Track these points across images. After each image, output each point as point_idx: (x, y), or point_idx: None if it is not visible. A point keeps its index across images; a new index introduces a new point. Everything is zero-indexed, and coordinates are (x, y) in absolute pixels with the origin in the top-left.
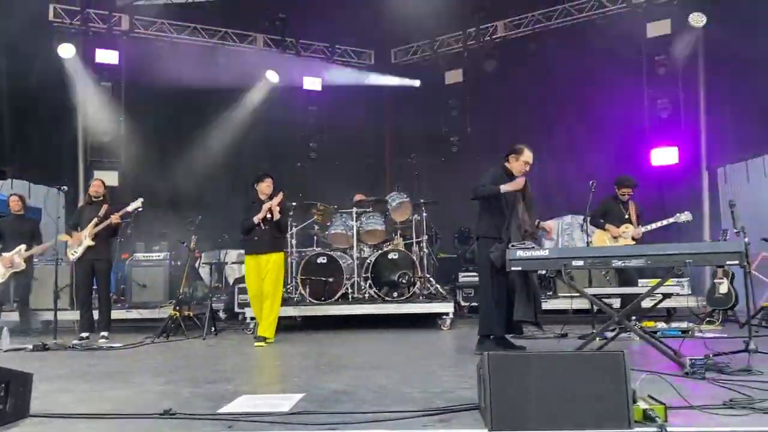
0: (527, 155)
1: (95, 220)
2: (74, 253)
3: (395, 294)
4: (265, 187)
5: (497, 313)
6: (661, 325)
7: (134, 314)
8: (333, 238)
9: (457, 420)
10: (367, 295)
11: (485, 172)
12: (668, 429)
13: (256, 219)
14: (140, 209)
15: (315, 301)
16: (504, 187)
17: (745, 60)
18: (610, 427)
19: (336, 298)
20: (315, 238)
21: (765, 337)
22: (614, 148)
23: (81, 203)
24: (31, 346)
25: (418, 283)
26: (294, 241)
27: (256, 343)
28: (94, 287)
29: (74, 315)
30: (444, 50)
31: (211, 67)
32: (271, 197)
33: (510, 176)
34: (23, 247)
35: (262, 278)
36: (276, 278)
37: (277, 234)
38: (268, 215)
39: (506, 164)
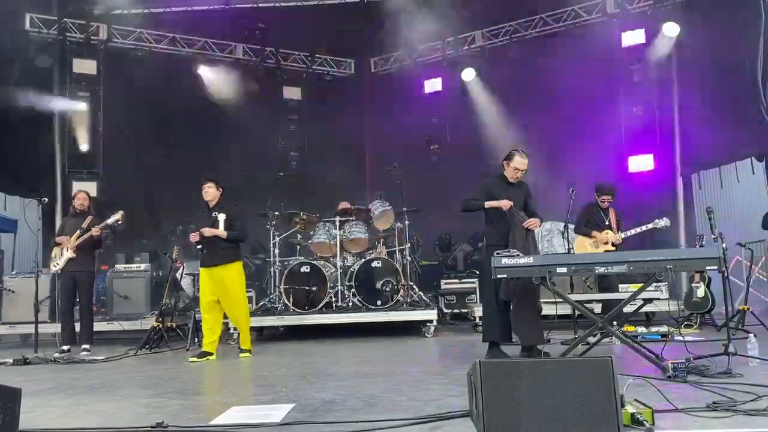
0: (516, 161)
1: (78, 232)
2: (56, 265)
3: (379, 302)
4: (204, 193)
5: (502, 320)
6: (641, 329)
7: (116, 326)
8: (316, 247)
9: (448, 428)
10: (350, 304)
11: (472, 180)
12: None
13: (192, 239)
14: (119, 222)
15: (298, 311)
16: (488, 204)
17: (717, 68)
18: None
19: (320, 307)
20: (298, 247)
21: (742, 340)
22: (592, 156)
23: (59, 214)
24: (11, 360)
25: (402, 291)
26: (277, 251)
27: (242, 355)
28: (77, 300)
29: (55, 328)
30: (423, 59)
31: (190, 77)
32: (217, 204)
33: (507, 182)
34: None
35: (217, 291)
36: (233, 289)
37: (225, 245)
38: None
39: (504, 170)
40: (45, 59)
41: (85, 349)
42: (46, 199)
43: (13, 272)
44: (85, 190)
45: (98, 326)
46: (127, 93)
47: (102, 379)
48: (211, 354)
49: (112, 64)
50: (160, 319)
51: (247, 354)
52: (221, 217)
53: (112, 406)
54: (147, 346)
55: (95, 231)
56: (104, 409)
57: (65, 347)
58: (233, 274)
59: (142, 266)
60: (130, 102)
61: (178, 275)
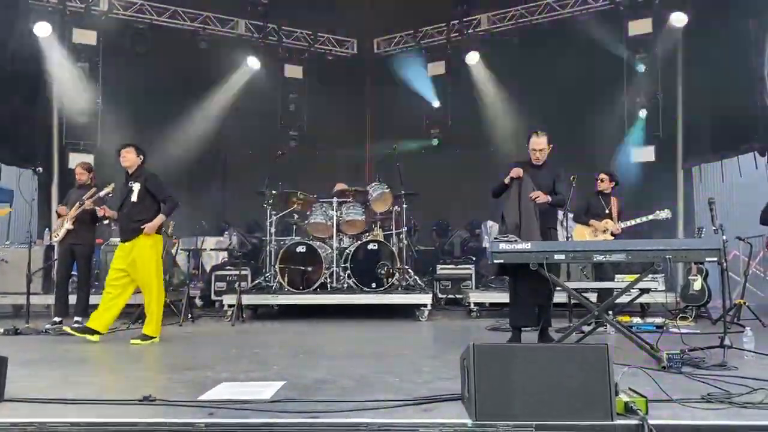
0: (532, 141)
1: (77, 203)
2: (56, 236)
3: (374, 284)
4: (121, 159)
5: (520, 305)
6: (637, 320)
7: None
8: (312, 228)
9: (440, 409)
10: (345, 285)
11: (472, 166)
12: (649, 422)
13: (99, 213)
14: (110, 195)
15: (293, 290)
16: (506, 179)
17: (723, 60)
18: (593, 419)
19: (314, 287)
20: (294, 227)
21: (738, 333)
22: (594, 145)
23: (55, 185)
24: (1, 330)
25: (397, 274)
26: (273, 230)
27: (134, 341)
28: (74, 272)
29: (47, 299)
30: (427, 41)
31: (191, 52)
32: (135, 172)
33: (531, 165)
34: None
35: (128, 268)
36: (143, 267)
37: (138, 218)
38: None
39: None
40: (44, 28)
41: (77, 322)
42: (41, 170)
43: (7, 242)
44: (86, 162)
45: (90, 299)
46: (127, 65)
47: (93, 351)
48: (97, 333)
49: (112, 35)
50: None
51: (147, 341)
52: (136, 187)
53: (102, 378)
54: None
55: (88, 204)
56: (93, 381)
57: (57, 319)
58: (143, 248)
59: None
60: (129, 74)
61: (173, 251)
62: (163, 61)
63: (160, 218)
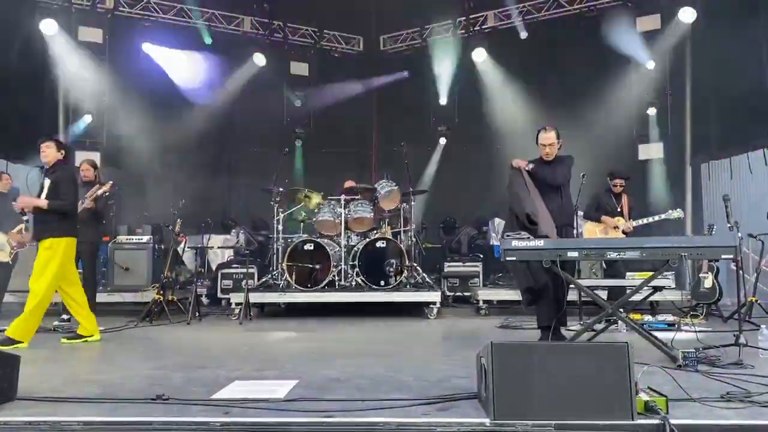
0: (540, 137)
1: (80, 202)
2: None
3: (382, 282)
4: (42, 155)
5: (540, 304)
6: (648, 318)
7: (116, 297)
8: (320, 225)
9: (456, 409)
10: (353, 283)
11: (479, 163)
12: (670, 421)
13: (16, 206)
14: (107, 193)
15: (301, 288)
16: (514, 163)
17: (731, 56)
18: (614, 419)
19: (322, 285)
20: (302, 224)
21: (752, 332)
22: (602, 142)
23: None
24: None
25: (406, 272)
26: (280, 227)
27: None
28: (79, 270)
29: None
30: (433, 38)
31: (197, 49)
32: (51, 169)
33: (542, 161)
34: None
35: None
36: (38, 269)
37: (41, 217)
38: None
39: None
40: (50, 25)
41: None
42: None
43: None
44: (90, 159)
45: (98, 297)
46: (134, 63)
47: (102, 349)
48: (88, 336)
49: (118, 33)
50: (161, 292)
51: (9, 345)
52: (47, 183)
53: (113, 377)
54: (148, 319)
55: (88, 203)
56: (105, 380)
57: (65, 316)
58: (41, 250)
59: (144, 238)
60: (135, 72)
61: (179, 249)
62: (168, 58)
63: (39, 201)
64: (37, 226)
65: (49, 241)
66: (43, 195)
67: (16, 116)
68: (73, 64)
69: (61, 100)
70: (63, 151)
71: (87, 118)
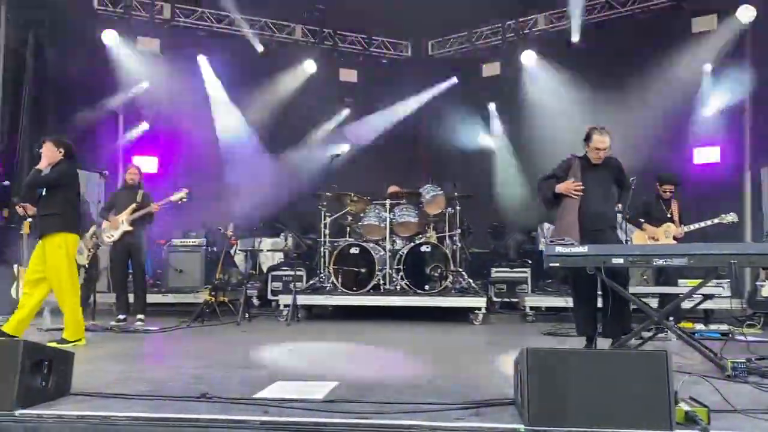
0: (595, 140)
1: (133, 205)
2: (111, 236)
3: (427, 287)
4: (43, 156)
5: (580, 313)
6: (700, 326)
7: (170, 298)
8: (366, 229)
9: (492, 414)
10: (398, 287)
11: (526, 169)
12: None
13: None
14: (183, 200)
15: (347, 291)
16: (562, 189)
17: None
18: (651, 428)
19: (368, 288)
20: (348, 228)
21: None
22: (656, 146)
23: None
24: None
25: (450, 276)
26: (327, 231)
27: (51, 341)
28: (129, 270)
29: (111, 297)
30: (481, 42)
31: (250, 57)
32: (55, 168)
33: (590, 163)
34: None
35: (42, 266)
36: (54, 265)
37: (45, 212)
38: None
39: (587, 151)
40: (111, 36)
41: (139, 319)
42: (107, 173)
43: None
44: (137, 165)
45: (153, 298)
46: (191, 71)
47: (154, 348)
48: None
49: (174, 42)
50: (212, 294)
51: (65, 345)
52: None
53: (161, 374)
54: (199, 319)
55: (155, 206)
56: (153, 377)
57: (121, 316)
58: (53, 247)
59: (197, 241)
60: (191, 80)
61: (231, 251)
62: (221, 66)
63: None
64: (42, 224)
65: (59, 237)
66: (44, 190)
67: (77, 124)
68: (131, 73)
69: (120, 108)
70: (62, 150)
71: (144, 125)
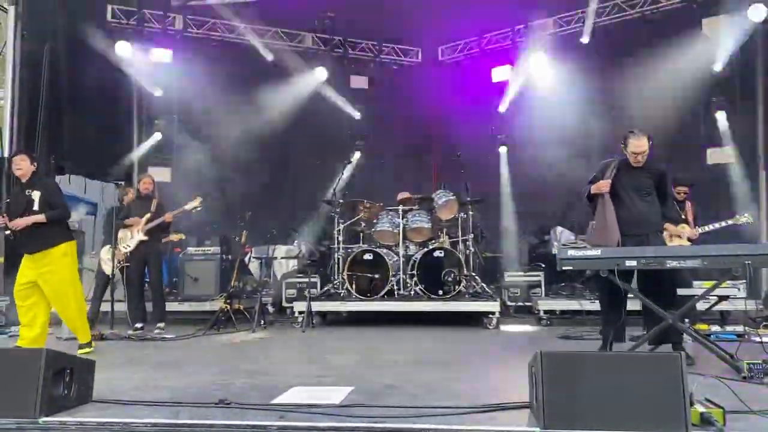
0: (631, 144)
1: (148, 215)
2: (126, 246)
3: (441, 292)
4: (15, 169)
5: (605, 318)
6: (716, 328)
7: (186, 306)
8: (379, 235)
9: (507, 417)
10: (412, 292)
11: (538, 173)
12: None
13: (11, 226)
14: (198, 209)
15: (361, 297)
16: (593, 188)
17: None
18: (666, 429)
19: (382, 294)
20: (361, 234)
21: None
22: (668, 147)
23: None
24: None
25: (464, 281)
26: (341, 238)
27: (80, 351)
28: (146, 280)
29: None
30: (492, 47)
31: (260, 66)
32: (30, 180)
33: (629, 165)
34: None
35: (40, 278)
36: (59, 275)
37: (48, 226)
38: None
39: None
40: (125, 47)
41: (159, 328)
42: (123, 183)
43: (93, 252)
44: (151, 174)
45: (169, 306)
46: (203, 81)
47: (172, 356)
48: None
49: (186, 53)
50: (228, 301)
51: (87, 349)
52: (36, 195)
53: (180, 382)
54: (215, 327)
55: (169, 216)
56: (172, 385)
57: (138, 325)
58: (58, 257)
59: (212, 249)
60: (203, 91)
61: (246, 259)
62: (233, 75)
63: (38, 217)
64: (38, 239)
65: (65, 246)
66: (36, 206)
67: (92, 136)
68: (145, 84)
69: (135, 119)
70: (36, 164)
71: (157, 136)
